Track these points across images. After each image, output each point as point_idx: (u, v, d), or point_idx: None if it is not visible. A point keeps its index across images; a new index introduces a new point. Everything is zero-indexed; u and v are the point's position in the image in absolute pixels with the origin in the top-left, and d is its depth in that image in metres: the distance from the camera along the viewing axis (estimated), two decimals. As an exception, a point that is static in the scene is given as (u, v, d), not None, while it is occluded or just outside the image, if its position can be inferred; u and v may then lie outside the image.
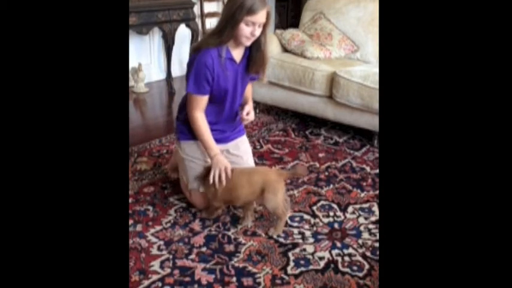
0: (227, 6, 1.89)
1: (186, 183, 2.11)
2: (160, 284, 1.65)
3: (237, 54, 2.01)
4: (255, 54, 2.01)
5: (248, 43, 1.93)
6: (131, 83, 3.93)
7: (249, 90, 2.22)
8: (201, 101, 2.00)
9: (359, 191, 2.34)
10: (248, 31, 1.87)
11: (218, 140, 2.10)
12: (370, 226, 2.03)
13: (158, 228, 1.97)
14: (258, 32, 1.89)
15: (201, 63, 1.92)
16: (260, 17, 1.84)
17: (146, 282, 1.65)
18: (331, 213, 2.13)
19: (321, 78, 2.93)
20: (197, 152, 2.09)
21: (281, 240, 1.92)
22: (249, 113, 2.14)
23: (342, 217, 2.10)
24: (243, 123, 2.20)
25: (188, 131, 2.09)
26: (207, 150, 2.01)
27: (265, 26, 1.93)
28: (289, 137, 3.01)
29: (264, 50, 2.00)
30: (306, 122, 3.25)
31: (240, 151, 2.21)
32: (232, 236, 1.93)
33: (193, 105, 2.01)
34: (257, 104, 3.35)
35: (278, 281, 1.68)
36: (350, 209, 2.17)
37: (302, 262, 1.79)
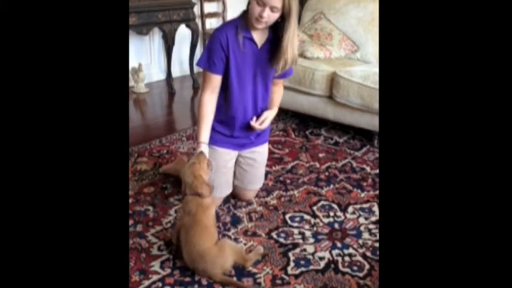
0: None
1: None
2: (160, 284, 1.65)
3: (258, 36, 1.93)
4: (274, 46, 1.91)
5: (259, 26, 1.84)
6: (131, 83, 3.93)
7: (277, 94, 2.13)
8: (212, 80, 1.95)
9: (359, 191, 2.34)
10: (257, 11, 1.79)
11: (242, 146, 2.08)
12: (371, 226, 2.03)
13: (158, 228, 1.97)
14: (266, 14, 1.78)
15: (215, 38, 1.91)
16: None
17: (146, 283, 1.65)
18: (332, 214, 2.13)
19: (321, 78, 2.93)
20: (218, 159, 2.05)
21: (281, 240, 1.92)
22: (263, 122, 2.02)
23: (342, 217, 2.10)
24: (257, 131, 2.06)
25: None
26: (197, 134, 1.97)
27: (284, 17, 1.83)
28: (289, 137, 3.01)
29: (283, 44, 1.86)
30: (306, 122, 3.25)
31: (256, 161, 2.17)
32: (233, 236, 1.93)
33: (204, 83, 1.98)
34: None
35: (278, 281, 1.68)
36: (350, 209, 2.17)
37: (302, 262, 1.79)
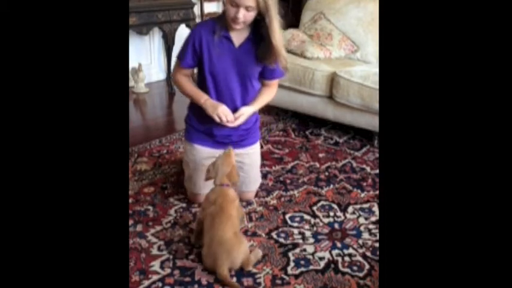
0: None
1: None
2: (160, 284, 1.65)
3: (237, 36, 1.94)
4: (261, 44, 1.91)
5: (236, 26, 1.86)
6: (131, 83, 3.93)
7: (264, 95, 2.09)
8: (181, 70, 2.03)
9: (359, 191, 2.34)
10: (232, 12, 1.81)
11: (223, 145, 2.05)
12: (370, 226, 2.03)
13: (158, 228, 1.97)
14: (241, 15, 1.80)
15: (190, 34, 1.99)
16: None
17: (146, 283, 1.65)
18: (331, 214, 2.13)
19: (321, 78, 2.93)
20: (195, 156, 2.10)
21: (281, 240, 1.92)
22: (237, 118, 1.96)
23: (342, 217, 2.10)
24: (229, 124, 1.96)
25: (190, 131, 2.11)
26: (197, 100, 1.99)
27: (263, 14, 1.83)
28: (289, 137, 3.01)
29: (271, 40, 1.87)
30: (306, 122, 3.25)
31: (245, 164, 2.13)
32: (233, 236, 1.93)
33: (175, 70, 2.07)
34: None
35: (278, 281, 1.68)
36: (350, 209, 2.17)
37: (302, 262, 1.79)
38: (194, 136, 2.10)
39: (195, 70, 2.10)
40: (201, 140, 2.09)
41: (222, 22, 1.93)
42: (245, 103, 2.04)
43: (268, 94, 2.11)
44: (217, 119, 1.93)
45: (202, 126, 2.07)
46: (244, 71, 1.98)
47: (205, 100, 1.97)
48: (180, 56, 2.01)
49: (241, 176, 2.07)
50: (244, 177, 2.11)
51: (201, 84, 2.03)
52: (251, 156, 2.15)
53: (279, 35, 1.89)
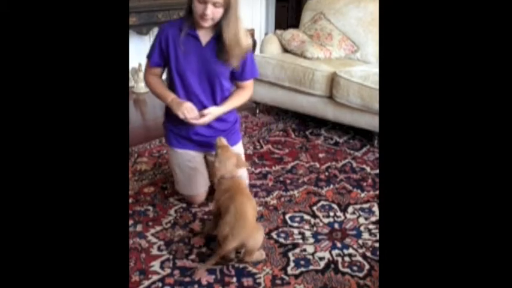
0: None
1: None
2: (160, 284, 1.65)
3: (204, 35, 1.91)
4: (220, 40, 1.87)
5: (205, 24, 1.83)
6: (131, 83, 3.93)
7: (237, 96, 2.05)
8: (151, 69, 2.02)
9: (359, 191, 2.34)
10: (200, 9, 1.78)
11: (203, 146, 2.05)
12: (370, 226, 2.03)
13: (158, 228, 1.97)
14: (210, 11, 1.77)
15: (158, 33, 1.98)
16: None
17: (146, 283, 1.65)
18: (331, 214, 2.13)
19: (321, 78, 2.93)
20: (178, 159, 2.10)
21: (281, 240, 1.92)
22: (204, 115, 1.92)
23: (342, 217, 2.10)
24: (194, 121, 1.93)
25: (168, 136, 2.11)
26: (164, 100, 2.00)
27: (226, 10, 1.80)
28: (289, 137, 3.01)
29: (226, 37, 1.84)
30: (306, 122, 3.25)
31: None
32: (233, 236, 1.93)
33: (146, 70, 2.06)
34: (257, 104, 3.35)
35: (278, 281, 1.68)
36: (350, 209, 2.17)
37: (302, 262, 1.79)
38: (174, 140, 2.09)
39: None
40: (182, 144, 2.08)
41: (189, 20, 1.90)
42: (215, 104, 2.00)
43: (241, 96, 2.06)
44: (181, 116, 1.90)
45: (180, 130, 2.05)
46: (211, 70, 1.94)
47: (172, 99, 1.96)
48: (149, 55, 2.00)
49: None
50: None
51: (171, 85, 2.02)
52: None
53: (235, 31, 1.85)
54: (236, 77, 2.03)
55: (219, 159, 1.85)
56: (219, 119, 2.04)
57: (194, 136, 2.05)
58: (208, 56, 1.92)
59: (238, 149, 2.14)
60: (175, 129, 2.06)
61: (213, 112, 1.96)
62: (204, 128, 2.03)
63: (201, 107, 1.98)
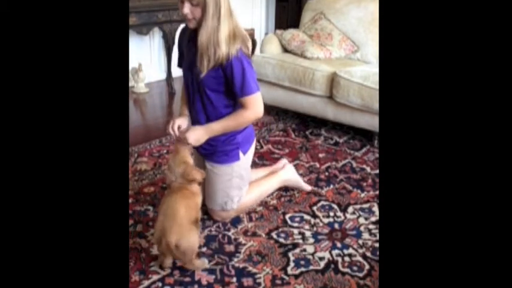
0: None
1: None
2: (160, 284, 1.65)
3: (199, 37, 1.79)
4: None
5: (189, 24, 1.75)
6: (131, 83, 3.93)
7: (231, 116, 1.84)
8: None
9: (359, 191, 2.34)
10: (181, 8, 1.71)
11: (201, 153, 1.98)
12: (370, 226, 2.03)
13: (158, 228, 1.97)
14: (188, 10, 1.68)
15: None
16: None
17: (146, 283, 1.65)
18: (332, 214, 2.13)
19: (321, 78, 2.93)
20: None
21: (281, 240, 1.92)
22: (182, 133, 1.81)
23: (342, 217, 2.10)
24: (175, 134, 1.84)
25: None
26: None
27: (203, 9, 1.67)
28: (289, 137, 3.01)
29: (198, 39, 1.71)
30: (306, 122, 3.25)
31: (210, 180, 1.95)
32: (233, 236, 1.93)
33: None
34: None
35: (278, 282, 1.68)
36: (350, 209, 2.17)
37: (302, 262, 1.79)
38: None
39: None
40: (196, 147, 2.01)
41: None
42: (209, 117, 1.87)
43: (233, 118, 1.84)
44: (169, 131, 1.87)
45: None
46: (195, 77, 1.81)
47: (179, 113, 1.96)
48: (178, 62, 2.03)
49: (206, 188, 1.98)
50: (207, 191, 1.99)
51: None
52: (216, 176, 1.95)
53: (209, 33, 1.69)
54: (233, 91, 1.80)
55: (169, 165, 1.76)
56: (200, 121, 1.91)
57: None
58: (195, 61, 1.79)
59: (222, 170, 1.94)
60: None
61: (192, 130, 1.82)
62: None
63: (196, 118, 1.90)
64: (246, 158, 1.98)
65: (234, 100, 1.85)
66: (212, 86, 1.80)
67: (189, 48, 1.85)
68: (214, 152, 1.93)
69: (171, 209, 1.65)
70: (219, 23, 1.69)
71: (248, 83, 1.77)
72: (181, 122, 1.90)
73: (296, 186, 2.26)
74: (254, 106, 1.81)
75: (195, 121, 1.93)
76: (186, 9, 1.69)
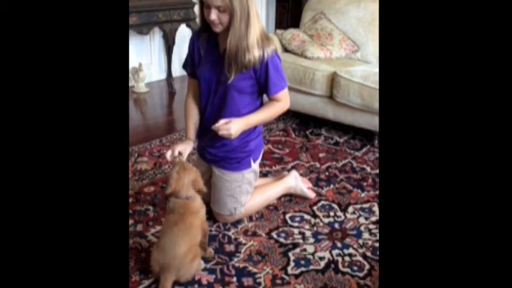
0: None
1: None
2: (160, 284, 1.65)
3: (223, 40, 1.77)
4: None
5: (215, 28, 1.73)
6: (131, 83, 3.94)
7: (264, 107, 1.89)
8: (190, 82, 1.99)
9: (359, 191, 2.34)
10: (207, 14, 1.70)
11: (207, 160, 1.98)
12: (371, 226, 2.03)
13: (159, 228, 1.97)
14: (215, 16, 1.67)
15: (190, 39, 1.95)
16: None
17: (146, 282, 1.65)
18: (332, 213, 2.13)
19: (322, 78, 2.93)
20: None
21: (281, 240, 1.92)
22: (219, 128, 1.77)
23: (342, 217, 2.10)
24: (220, 132, 1.79)
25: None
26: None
27: (231, 15, 1.66)
28: (289, 137, 3.01)
29: (227, 44, 1.70)
30: (307, 122, 3.25)
31: (216, 185, 1.97)
32: (233, 236, 1.93)
33: (187, 85, 2.02)
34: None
35: (278, 281, 1.68)
36: (350, 209, 2.17)
37: (302, 262, 1.79)
38: (199, 147, 2.06)
39: None
40: (200, 153, 2.05)
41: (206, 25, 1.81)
42: (230, 116, 1.84)
43: (268, 110, 1.90)
44: (167, 159, 1.83)
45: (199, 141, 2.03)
46: (221, 80, 1.81)
47: (185, 138, 1.92)
48: (183, 65, 2.00)
49: (212, 193, 1.99)
50: (214, 196, 2.00)
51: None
52: (222, 181, 1.96)
53: (237, 39, 1.69)
54: (265, 90, 1.86)
55: (173, 177, 1.68)
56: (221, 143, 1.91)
57: (202, 143, 2.01)
58: (221, 64, 1.78)
59: (232, 177, 1.95)
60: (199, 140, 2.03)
61: (234, 122, 1.79)
62: (204, 137, 1.97)
63: (217, 118, 1.83)
64: (256, 164, 2.01)
65: (254, 98, 1.89)
66: (240, 88, 1.82)
67: (210, 51, 1.85)
68: (224, 158, 1.94)
69: (172, 249, 1.59)
70: (247, 27, 1.69)
71: (282, 80, 1.85)
72: (183, 148, 1.82)
73: (300, 195, 2.25)
74: (286, 98, 1.91)
75: (207, 124, 1.89)
76: (214, 15, 1.68)
